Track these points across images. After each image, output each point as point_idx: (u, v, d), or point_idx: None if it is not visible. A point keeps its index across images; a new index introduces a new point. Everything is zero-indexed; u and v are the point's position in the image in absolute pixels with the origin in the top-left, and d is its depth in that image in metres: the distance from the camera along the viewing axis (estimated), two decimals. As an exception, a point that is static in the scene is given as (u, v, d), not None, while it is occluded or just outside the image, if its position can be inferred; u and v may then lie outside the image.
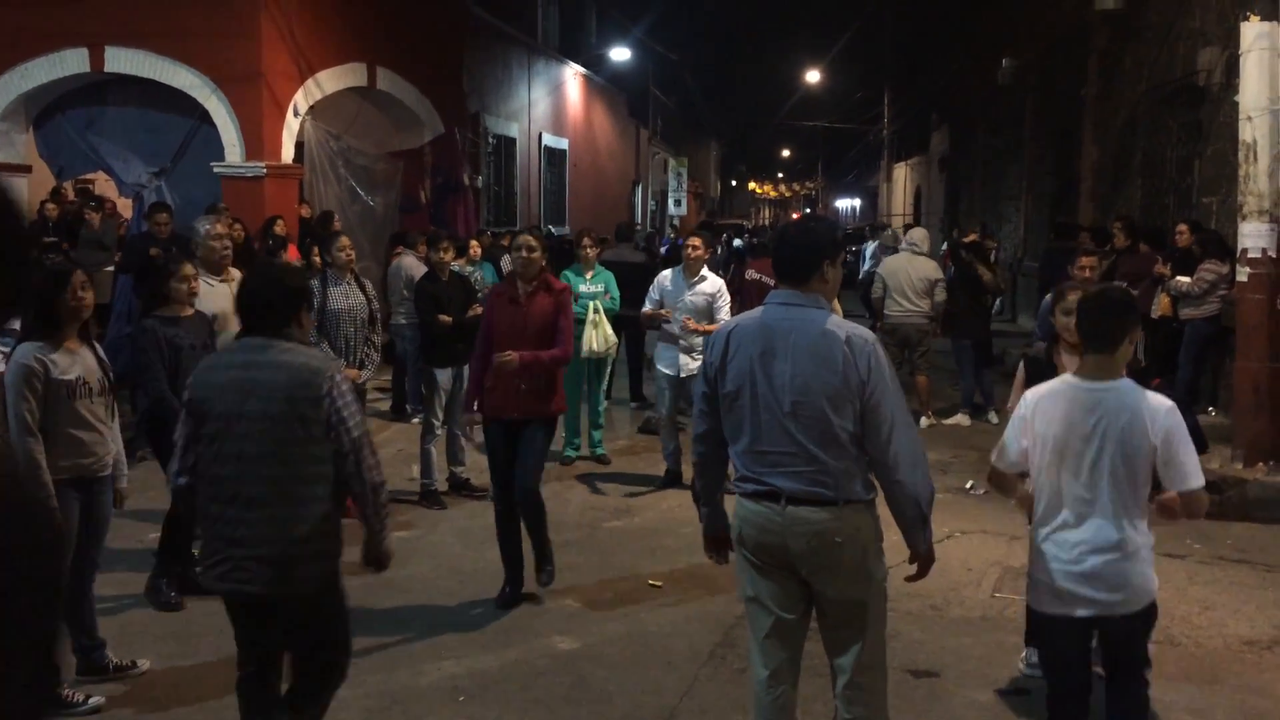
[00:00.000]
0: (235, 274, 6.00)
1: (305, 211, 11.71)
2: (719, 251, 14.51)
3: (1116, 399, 3.33)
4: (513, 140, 17.73)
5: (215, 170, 10.88)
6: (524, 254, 5.49)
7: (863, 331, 3.20)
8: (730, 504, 3.44)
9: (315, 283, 6.42)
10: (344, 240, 7.00)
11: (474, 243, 10.10)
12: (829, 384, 3.09)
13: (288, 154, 11.46)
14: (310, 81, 11.81)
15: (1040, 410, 3.45)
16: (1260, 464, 7.15)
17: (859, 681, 3.25)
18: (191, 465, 3.39)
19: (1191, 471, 3.31)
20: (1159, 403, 3.33)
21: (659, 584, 5.73)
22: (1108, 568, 3.31)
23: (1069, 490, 3.36)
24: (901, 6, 29.39)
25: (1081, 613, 3.36)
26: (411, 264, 9.36)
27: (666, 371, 7.63)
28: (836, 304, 9.05)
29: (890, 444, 3.12)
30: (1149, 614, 3.42)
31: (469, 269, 9.33)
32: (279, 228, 9.84)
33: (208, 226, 6.03)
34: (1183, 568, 5.97)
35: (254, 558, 3.27)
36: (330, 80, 12.15)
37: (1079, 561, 3.33)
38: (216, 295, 5.78)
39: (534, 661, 4.77)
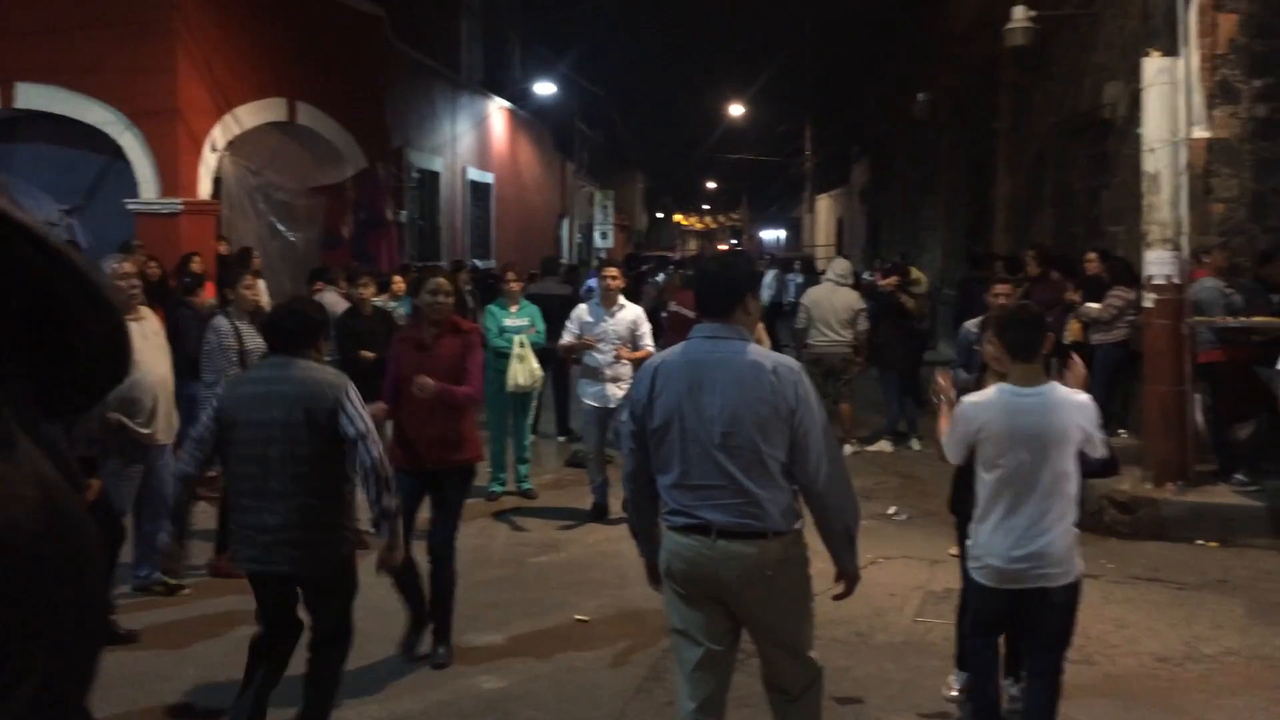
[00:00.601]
0: (146, 313, 5.87)
1: (223, 248, 11.52)
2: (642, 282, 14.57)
3: (1046, 402, 3.74)
4: (437, 174, 17.67)
5: (129, 207, 10.67)
6: (434, 298, 5.23)
7: (788, 361, 3.30)
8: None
9: (225, 321, 6.24)
10: (249, 279, 6.88)
11: (397, 278, 10.02)
12: (758, 414, 3.16)
13: (205, 190, 11.29)
14: (228, 116, 11.66)
15: (980, 416, 3.82)
16: (1169, 484, 7.36)
17: (800, 704, 3.38)
18: (201, 459, 4.00)
19: (1103, 445, 3.85)
20: (1080, 398, 3.82)
21: (586, 619, 5.70)
22: (1050, 546, 3.72)
23: (1012, 485, 3.75)
24: (822, 42, 30.00)
25: (1030, 585, 3.77)
26: (333, 300, 9.25)
27: (592, 404, 7.63)
28: (763, 333, 9.23)
29: (819, 470, 3.21)
30: (1078, 587, 3.85)
31: (392, 305, 9.25)
32: (195, 265, 9.65)
33: (114, 265, 5.90)
34: (1097, 587, 6.10)
35: (281, 541, 3.85)
36: (249, 115, 12.01)
37: (1027, 543, 3.73)
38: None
39: (459, 703, 4.71)
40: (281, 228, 12.84)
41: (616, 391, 7.43)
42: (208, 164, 11.29)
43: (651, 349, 7.48)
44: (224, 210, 11.87)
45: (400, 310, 9.33)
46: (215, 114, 11.42)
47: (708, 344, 3.28)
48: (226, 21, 11.70)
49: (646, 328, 7.58)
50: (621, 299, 7.68)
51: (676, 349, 3.40)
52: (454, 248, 18.12)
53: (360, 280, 7.55)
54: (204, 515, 6.63)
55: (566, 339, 7.76)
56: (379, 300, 9.14)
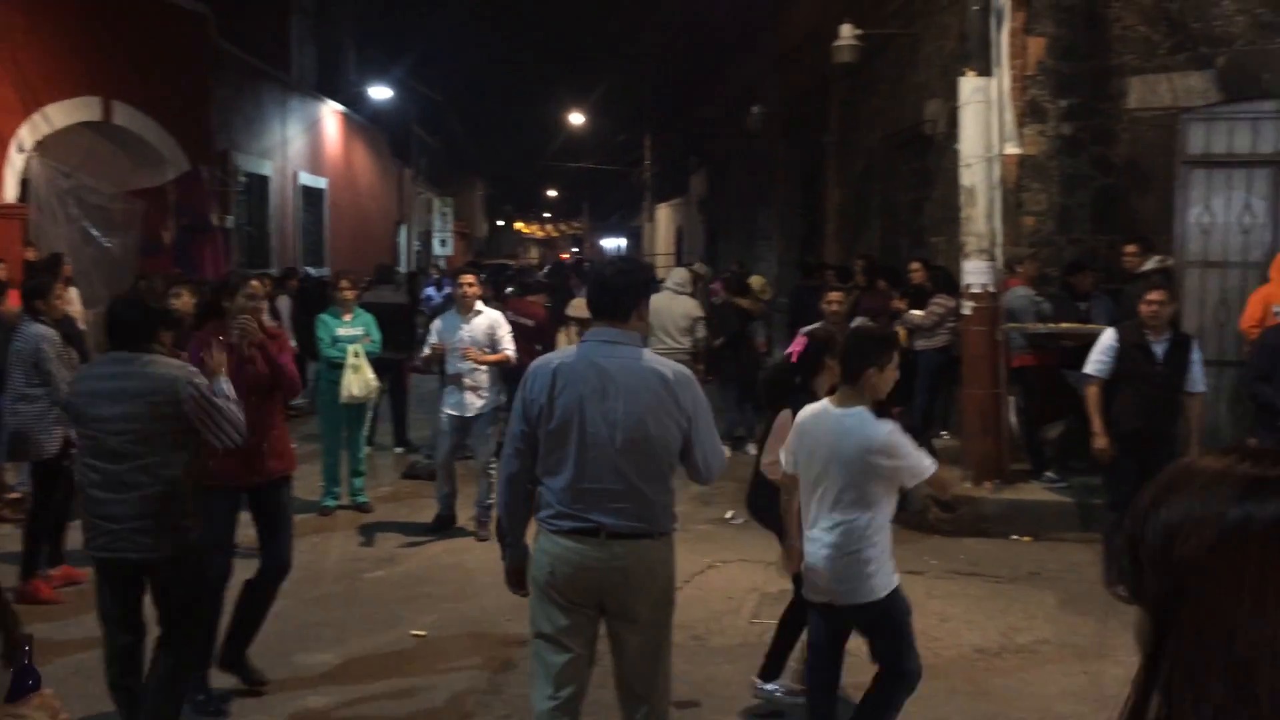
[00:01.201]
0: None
1: (31, 254, 10.81)
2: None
3: (851, 423, 3.81)
4: (266, 179, 17.05)
5: (-76, 209, 9.90)
6: (250, 301, 5.03)
7: (682, 368, 3.42)
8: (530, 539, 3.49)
9: (44, 328, 6.00)
10: (59, 288, 6.53)
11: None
12: (659, 420, 3.27)
13: (10, 193, 10.60)
14: (37, 115, 10.99)
15: (804, 430, 3.97)
16: (988, 482, 7.74)
17: (655, 711, 3.43)
18: None
19: (920, 466, 3.84)
20: (878, 429, 3.79)
21: (423, 634, 5.58)
22: (830, 563, 3.85)
23: (818, 497, 3.90)
24: (659, 54, 30.40)
25: (816, 599, 3.97)
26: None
27: (451, 413, 7.50)
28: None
29: (710, 470, 3.46)
30: (876, 609, 3.88)
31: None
32: (-1, 271, 9.04)
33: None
34: (921, 583, 6.35)
35: (129, 529, 3.94)
36: (60, 114, 11.34)
37: (816, 556, 3.89)
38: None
39: (288, 725, 4.53)
40: (96, 233, 12.14)
41: (476, 400, 7.36)
42: (14, 165, 10.61)
43: (510, 353, 7.43)
44: (32, 214, 11.15)
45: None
46: (22, 112, 10.74)
47: (606, 347, 3.32)
48: (35, 15, 11.03)
49: (505, 331, 7.52)
50: (479, 304, 7.59)
51: (571, 350, 3.43)
52: (285, 255, 17.52)
53: (173, 291, 7.20)
54: (9, 539, 6.21)
55: (426, 349, 7.66)
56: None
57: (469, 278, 7.73)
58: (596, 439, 3.24)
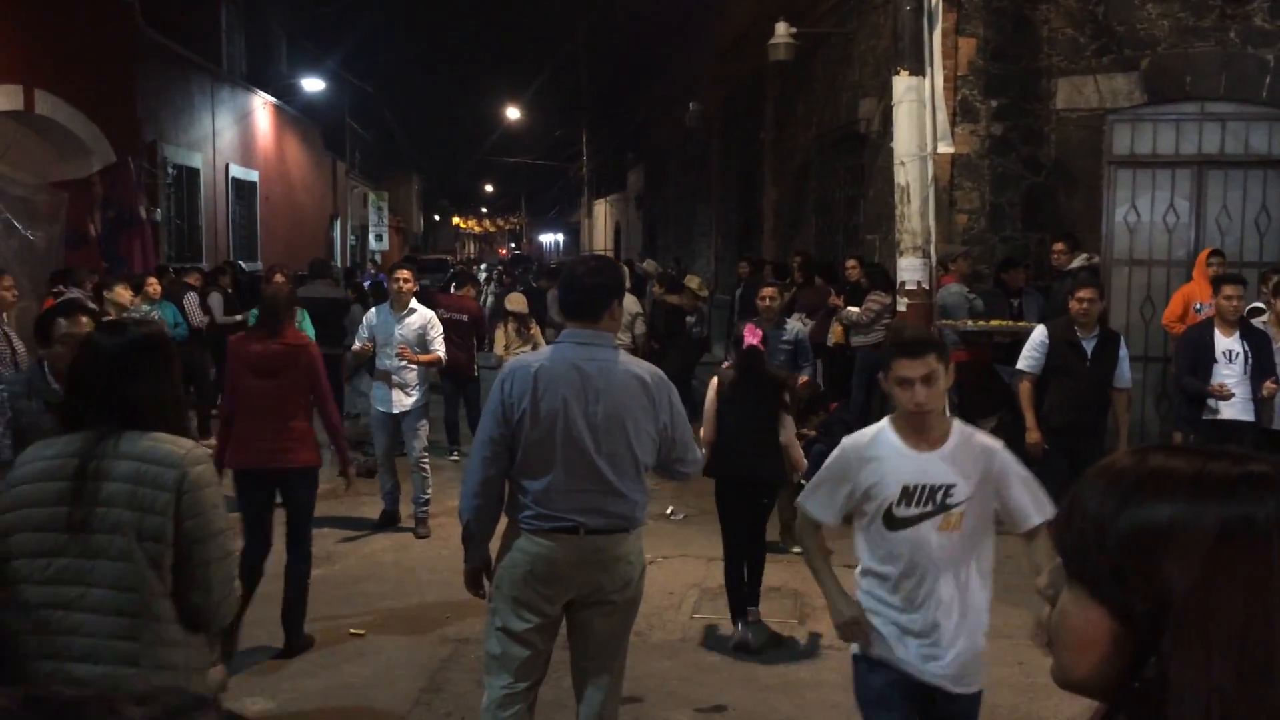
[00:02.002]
0: None
1: (-50, 247, 10.49)
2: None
3: None
4: (196, 171, 16.71)
5: None
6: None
7: (658, 371, 3.47)
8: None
9: None
10: (7, 279, 6.36)
11: (151, 280, 9.41)
12: (639, 422, 3.32)
13: (-73, 183, 10.25)
14: (-46, 103, 10.64)
15: None
16: (923, 476, 7.85)
17: (608, 709, 3.50)
18: None
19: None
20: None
21: (361, 632, 5.52)
22: None
23: None
24: (596, 48, 30.36)
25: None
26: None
27: (381, 410, 7.42)
28: (539, 336, 9.24)
29: (685, 458, 3.52)
30: None
31: (145, 308, 8.68)
32: (-84, 265, 8.76)
33: None
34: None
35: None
36: (-21, 103, 11.00)
37: None
38: None
39: (223, 728, 4.45)
40: (18, 225, 11.79)
41: (405, 398, 7.29)
42: (-71, 154, 10.26)
43: (441, 353, 7.38)
44: (-50, 205, 10.81)
45: (155, 314, 8.77)
46: (-62, 100, 10.40)
47: (583, 349, 3.33)
48: (-49, -1, 10.69)
49: (437, 332, 7.44)
50: (414, 302, 7.49)
51: (547, 352, 3.41)
52: (216, 248, 17.19)
53: (113, 285, 7.06)
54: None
55: (356, 344, 7.57)
56: (132, 304, 8.59)
57: (404, 273, 7.60)
58: (579, 441, 3.27)
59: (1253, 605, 0.88)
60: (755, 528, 5.57)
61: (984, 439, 3.09)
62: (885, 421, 3.10)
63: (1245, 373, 6.51)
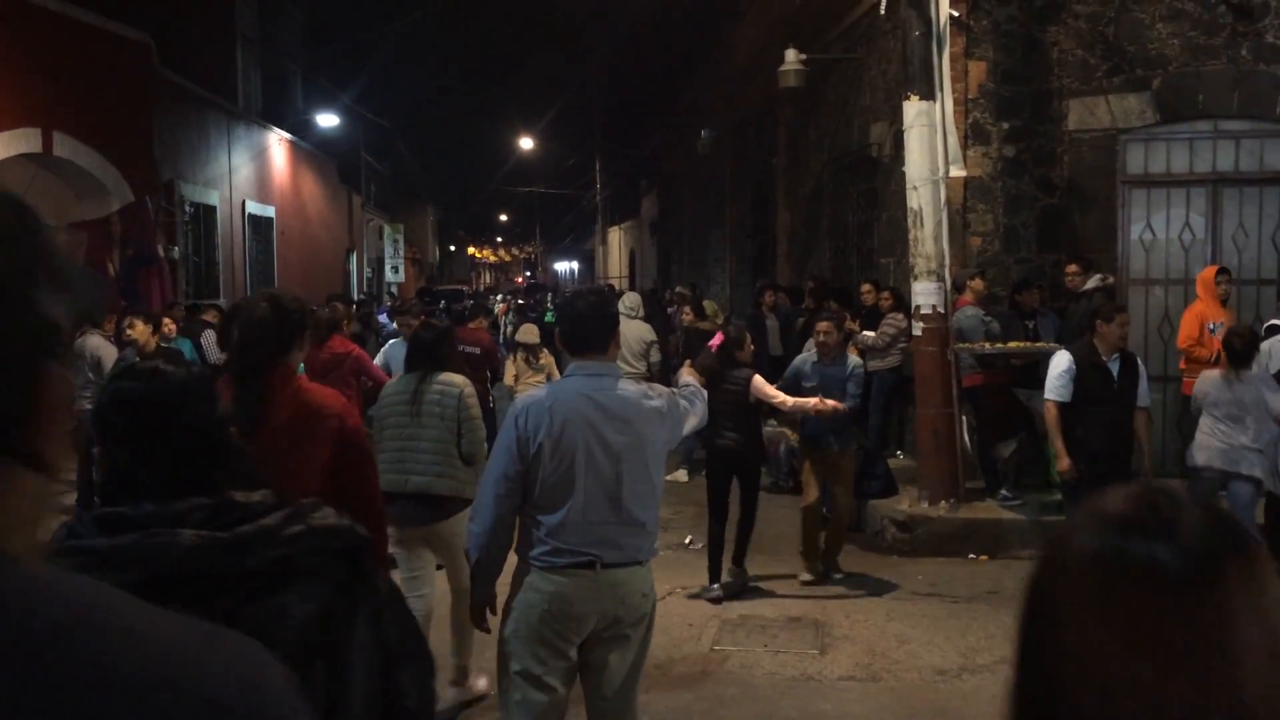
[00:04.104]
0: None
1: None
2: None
3: None
4: (213, 208, 16.85)
5: None
6: None
7: (665, 391, 3.54)
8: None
9: None
10: None
11: (166, 319, 9.44)
12: (655, 447, 3.38)
13: (-53, 226, 10.35)
14: (-26, 147, 10.77)
15: None
16: (943, 501, 7.79)
17: None
18: None
19: None
20: None
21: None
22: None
23: None
24: (608, 78, 30.56)
25: None
26: (98, 344, 8.64)
27: None
28: (553, 368, 9.25)
29: (695, 416, 3.67)
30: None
31: (163, 346, 8.72)
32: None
33: None
34: (880, 605, 6.38)
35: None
36: (-1, 146, 11.13)
37: None
38: None
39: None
40: (38, 267, 11.91)
41: None
42: (-50, 198, 10.36)
43: None
44: (-30, 248, 10.91)
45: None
46: (-42, 144, 10.52)
47: (594, 380, 3.34)
48: (-30, 45, 10.83)
49: None
50: None
51: (559, 385, 3.43)
52: (234, 285, 17.31)
53: (129, 322, 7.16)
54: None
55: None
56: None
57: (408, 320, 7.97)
58: (599, 473, 3.26)
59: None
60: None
61: None
62: None
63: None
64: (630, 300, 10.61)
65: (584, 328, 3.39)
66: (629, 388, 3.39)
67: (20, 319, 0.74)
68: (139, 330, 8.37)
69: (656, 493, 3.40)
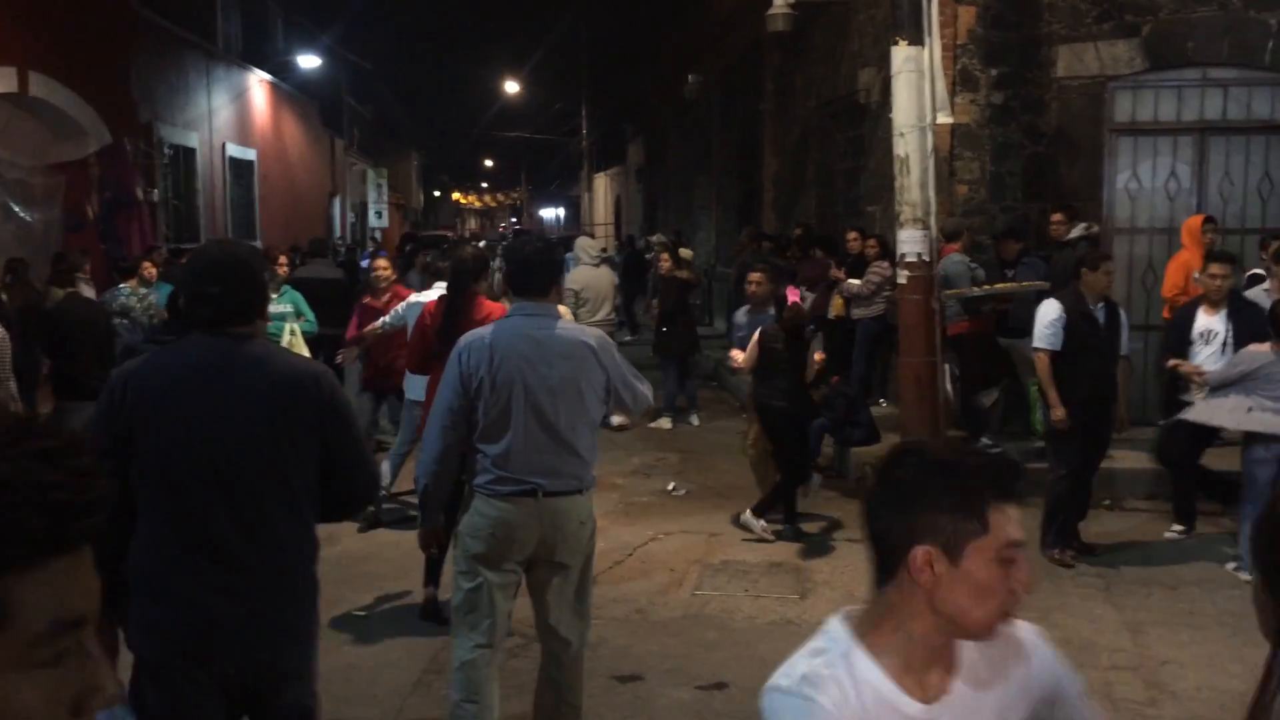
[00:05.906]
0: None
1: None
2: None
3: None
4: (193, 151, 16.64)
5: None
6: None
7: (601, 334, 3.73)
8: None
9: None
10: None
11: (146, 263, 9.35)
12: (590, 382, 3.54)
13: (-78, 167, 10.21)
14: (-53, 86, 10.58)
15: None
16: (924, 449, 7.83)
17: (576, 656, 3.73)
18: None
19: None
20: None
21: (364, 614, 5.53)
22: None
23: None
24: (595, 21, 30.14)
25: None
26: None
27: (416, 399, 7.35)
28: (566, 310, 9.20)
29: (635, 401, 3.72)
30: None
31: (143, 291, 8.66)
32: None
33: None
34: (861, 551, 6.36)
35: None
36: (-28, 86, 10.94)
37: None
38: None
39: (226, 711, 4.47)
40: (16, 208, 11.77)
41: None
42: (-76, 138, 10.22)
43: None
44: (-54, 190, 10.78)
45: (152, 297, 8.74)
46: (-69, 83, 10.33)
47: (533, 320, 3.55)
48: (-58, -18, 10.61)
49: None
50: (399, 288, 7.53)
51: (499, 324, 3.63)
52: (214, 228, 17.15)
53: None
54: None
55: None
56: (127, 286, 8.59)
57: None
58: (536, 405, 3.46)
59: None
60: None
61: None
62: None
63: (1221, 354, 6.35)
64: (592, 248, 10.21)
65: (528, 271, 3.64)
66: (568, 329, 3.62)
67: None
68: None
69: (593, 422, 3.62)
